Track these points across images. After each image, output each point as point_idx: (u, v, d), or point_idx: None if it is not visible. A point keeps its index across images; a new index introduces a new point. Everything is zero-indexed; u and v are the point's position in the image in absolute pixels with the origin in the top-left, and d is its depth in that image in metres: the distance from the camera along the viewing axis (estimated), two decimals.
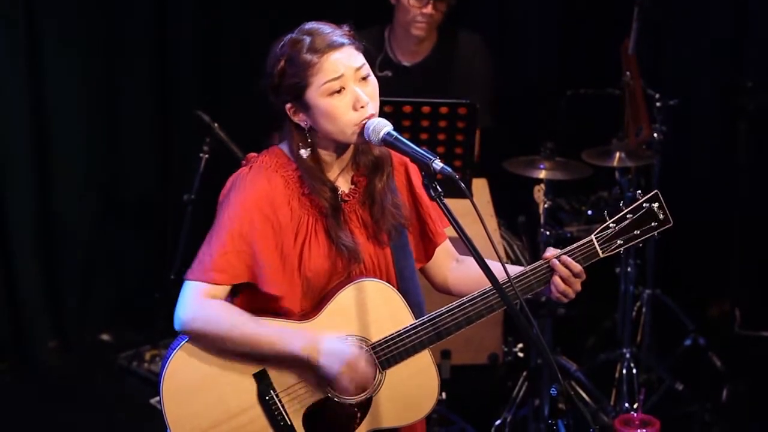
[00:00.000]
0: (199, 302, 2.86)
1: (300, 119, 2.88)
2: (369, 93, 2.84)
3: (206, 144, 5.03)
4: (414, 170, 3.06)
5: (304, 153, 2.89)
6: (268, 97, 2.92)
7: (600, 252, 2.97)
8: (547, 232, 4.74)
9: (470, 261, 3.10)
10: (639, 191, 3.03)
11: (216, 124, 5.00)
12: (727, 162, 5.74)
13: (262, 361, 2.90)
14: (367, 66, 2.86)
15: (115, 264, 5.94)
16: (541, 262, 2.96)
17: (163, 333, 5.44)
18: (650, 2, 5.08)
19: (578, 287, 2.96)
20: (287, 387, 2.91)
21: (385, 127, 2.81)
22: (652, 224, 3.01)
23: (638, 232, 3.00)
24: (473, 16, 5.93)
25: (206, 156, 5.02)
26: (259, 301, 2.91)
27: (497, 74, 5.18)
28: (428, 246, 3.11)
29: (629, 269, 4.95)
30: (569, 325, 5.07)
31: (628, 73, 5.07)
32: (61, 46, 5.52)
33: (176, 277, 4.98)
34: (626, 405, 4.81)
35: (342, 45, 2.83)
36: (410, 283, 3.02)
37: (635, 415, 4.31)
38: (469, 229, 2.73)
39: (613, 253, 2.98)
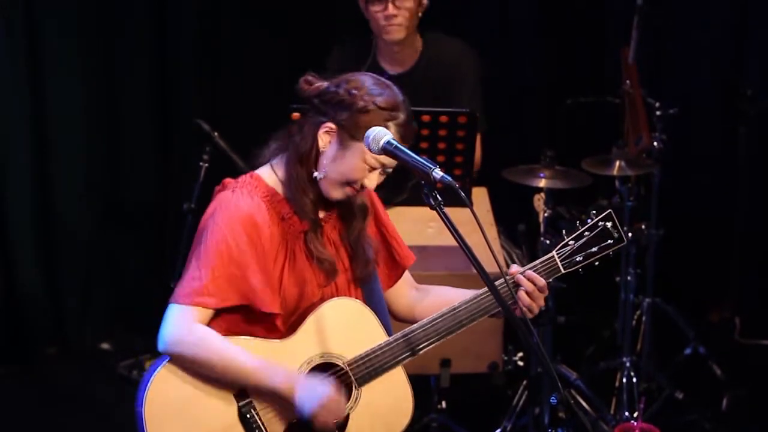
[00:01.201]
0: (186, 327, 2.88)
1: (324, 142, 2.90)
2: (374, 185, 2.94)
3: (206, 153, 5.02)
4: (375, 197, 3.13)
5: (317, 175, 2.91)
6: (319, 93, 2.91)
7: (561, 268, 3.08)
8: (547, 241, 4.73)
9: (432, 289, 3.22)
10: (594, 211, 3.11)
11: (216, 133, 5.00)
12: (727, 170, 5.74)
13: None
14: None
15: (115, 272, 5.94)
16: (507, 278, 2.99)
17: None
18: (650, 10, 5.09)
19: (542, 302, 3.03)
20: (267, 406, 2.95)
21: (385, 136, 2.82)
22: (608, 242, 3.11)
23: (595, 249, 3.10)
24: (473, 24, 5.94)
25: (206, 165, 5.02)
26: (238, 323, 2.94)
27: (496, 82, 5.17)
28: (396, 270, 3.18)
29: (629, 278, 4.94)
30: (569, 333, 5.07)
31: (628, 81, 5.07)
32: (61, 49, 5.52)
33: (176, 286, 4.97)
34: (626, 414, 4.81)
35: (408, 145, 2.88)
36: (378, 305, 3.08)
37: (635, 423, 4.29)
38: (469, 238, 2.74)
39: (573, 269, 3.09)
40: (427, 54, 4.95)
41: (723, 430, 4.96)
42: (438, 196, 2.75)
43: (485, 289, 2.98)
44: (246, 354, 2.89)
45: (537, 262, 3.06)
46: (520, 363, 4.79)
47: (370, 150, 2.85)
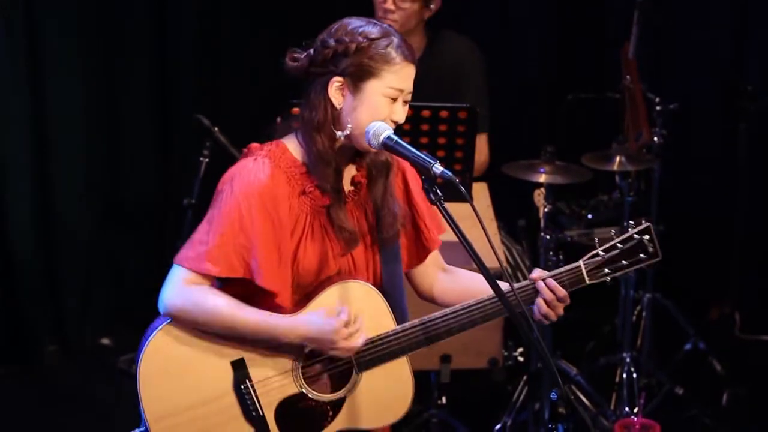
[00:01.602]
0: (187, 288, 2.87)
1: (339, 98, 2.86)
2: (403, 116, 2.90)
3: (206, 148, 5.02)
4: (411, 175, 3.06)
5: (340, 134, 2.87)
6: (313, 55, 2.89)
7: (587, 279, 3.00)
8: (547, 236, 4.73)
9: (458, 272, 3.16)
10: (632, 222, 3.04)
11: (216, 128, 5.00)
12: (728, 166, 5.74)
13: (242, 348, 2.92)
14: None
15: (115, 268, 5.94)
16: (527, 282, 2.98)
17: None
18: (651, 6, 5.09)
19: (560, 311, 2.98)
20: (263, 378, 2.93)
21: (385, 131, 2.82)
22: (641, 256, 3.02)
23: (626, 262, 3.01)
24: (473, 20, 5.94)
25: (206, 160, 5.01)
26: (250, 294, 2.91)
27: (497, 77, 5.17)
28: (421, 252, 3.11)
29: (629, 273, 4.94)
30: (569, 329, 5.06)
31: (628, 76, 5.07)
32: (61, 49, 5.52)
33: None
34: (626, 409, 4.81)
35: (414, 64, 2.89)
36: (396, 289, 3.03)
37: (635, 419, 4.30)
38: (469, 233, 2.73)
39: (599, 280, 3.01)
40: (432, 51, 4.95)
41: (723, 426, 4.97)
42: (438, 191, 2.74)
43: (505, 287, 2.93)
44: (250, 309, 2.86)
45: (562, 270, 2.98)
46: (521, 359, 4.79)
47: (370, 145, 2.84)
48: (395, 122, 2.87)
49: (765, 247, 5.73)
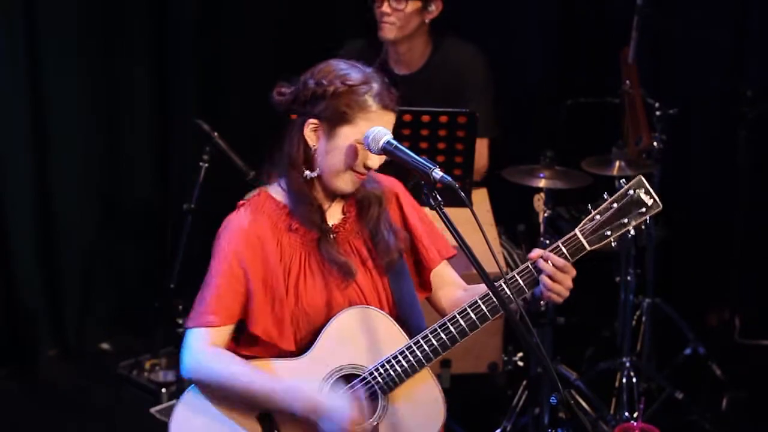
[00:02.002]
0: (202, 351, 2.88)
1: (313, 139, 2.89)
2: (378, 164, 2.91)
3: (206, 153, 5.02)
4: (404, 196, 3.09)
5: (308, 174, 2.90)
6: (287, 95, 2.92)
7: (587, 244, 2.94)
8: (547, 241, 4.73)
9: (475, 288, 3.09)
10: (623, 179, 2.99)
11: (216, 133, 5.00)
12: (727, 171, 5.74)
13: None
14: None
15: (115, 273, 5.94)
16: (526, 264, 2.95)
17: (162, 342, 5.44)
18: (650, 11, 5.09)
19: (569, 283, 2.92)
20: (292, 428, 2.92)
21: (384, 136, 2.83)
22: (641, 210, 2.95)
23: (626, 220, 2.95)
24: (474, 25, 5.94)
25: (206, 165, 5.01)
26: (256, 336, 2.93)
27: (497, 83, 5.17)
28: (423, 273, 3.11)
29: (629, 278, 4.94)
30: (569, 334, 5.06)
31: (627, 81, 5.07)
32: (61, 49, 5.51)
33: (175, 286, 4.98)
34: (626, 414, 4.81)
35: (394, 112, 2.90)
36: (411, 310, 3.03)
37: (635, 424, 4.29)
38: (469, 238, 2.74)
39: (602, 243, 2.94)
40: (437, 57, 4.96)
41: (723, 430, 4.96)
42: (438, 196, 2.75)
43: (505, 279, 2.92)
44: (265, 377, 2.88)
45: (559, 242, 2.94)
46: (520, 363, 4.79)
47: (369, 150, 2.85)
48: (368, 168, 2.88)
49: (764, 252, 5.72)
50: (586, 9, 5.99)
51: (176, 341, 5.18)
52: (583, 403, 4.82)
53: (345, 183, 2.91)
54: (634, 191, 2.95)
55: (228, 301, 2.88)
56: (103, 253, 5.86)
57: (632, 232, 2.97)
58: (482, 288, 2.95)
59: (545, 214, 4.75)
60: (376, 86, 2.86)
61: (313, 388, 2.90)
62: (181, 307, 5.01)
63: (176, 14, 5.82)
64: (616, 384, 4.94)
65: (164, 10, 5.80)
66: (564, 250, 2.93)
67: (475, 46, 5.05)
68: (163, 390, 5.19)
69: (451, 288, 3.15)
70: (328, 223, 2.98)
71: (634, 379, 4.91)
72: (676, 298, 5.39)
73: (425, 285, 3.13)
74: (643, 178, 2.96)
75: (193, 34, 5.89)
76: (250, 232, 2.89)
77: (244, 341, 2.95)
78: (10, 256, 5.51)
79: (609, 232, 2.94)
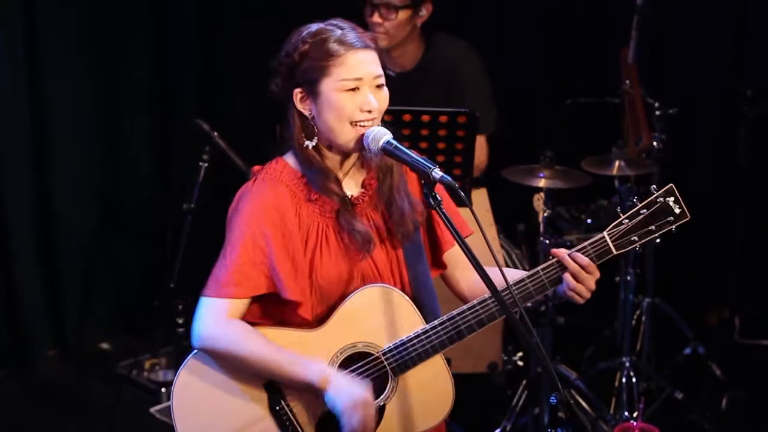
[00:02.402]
0: (219, 321, 2.84)
1: (305, 107, 2.87)
2: (379, 101, 2.86)
3: (206, 153, 5.03)
4: None
5: (308, 143, 2.89)
6: (276, 76, 2.91)
7: (614, 249, 2.93)
8: (547, 241, 4.74)
9: (491, 271, 3.00)
10: (654, 186, 2.99)
11: (216, 133, 5.00)
12: (727, 170, 5.74)
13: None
14: (383, 77, 2.87)
15: (115, 273, 5.94)
16: (551, 261, 2.93)
17: (162, 342, 5.44)
18: (650, 11, 5.09)
19: (591, 284, 2.92)
20: (299, 397, 2.90)
21: (384, 135, 2.82)
22: (669, 219, 2.95)
23: (653, 227, 2.95)
24: (474, 26, 5.94)
25: (206, 165, 5.02)
26: (272, 310, 2.90)
27: (496, 82, 5.17)
28: (436, 253, 3.09)
29: (629, 278, 4.95)
30: (569, 333, 5.07)
31: (627, 81, 5.07)
32: (61, 49, 5.52)
33: (175, 286, 4.98)
34: (626, 414, 4.81)
35: (368, 48, 2.86)
36: (424, 287, 3.00)
37: (635, 423, 4.30)
38: (469, 237, 2.73)
39: (628, 249, 2.94)
40: (429, 55, 4.96)
41: (722, 430, 4.97)
42: (437, 195, 2.74)
43: (528, 274, 2.91)
44: (277, 348, 2.85)
45: (586, 243, 2.92)
46: (520, 363, 4.80)
47: (369, 150, 2.84)
48: (369, 111, 2.83)
49: (764, 251, 5.72)
50: (586, 9, 6.00)
51: (176, 341, 5.19)
52: (583, 403, 4.82)
53: (348, 136, 2.85)
54: (665, 199, 2.96)
55: (251, 271, 2.83)
56: (103, 253, 5.86)
57: (658, 240, 2.96)
58: (497, 271, 2.89)
59: (545, 214, 4.76)
60: (336, 32, 2.84)
61: (324, 362, 2.88)
62: (180, 306, 5.01)
63: (176, 14, 5.82)
64: (616, 384, 4.94)
65: (164, 10, 5.81)
66: (591, 251, 2.93)
67: (467, 42, 5.05)
68: (163, 390, 5.20)
69: (467, 270, 3.09)
70: (347, 194, 2.95)
71: (634, 379, 4.92)
72: (676, 298, 5.40)
73: (439, 263, 3.10)
74: (674, 187, 2.96)
75: (193, 34, 5.90)
76: (270, 205, 2.85)
77: (260, 315, 2.92)
78: (10, 255, 5.51)
79: (636, 238, 2.94)
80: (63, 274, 5.73)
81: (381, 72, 2.87)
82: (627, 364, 4.93)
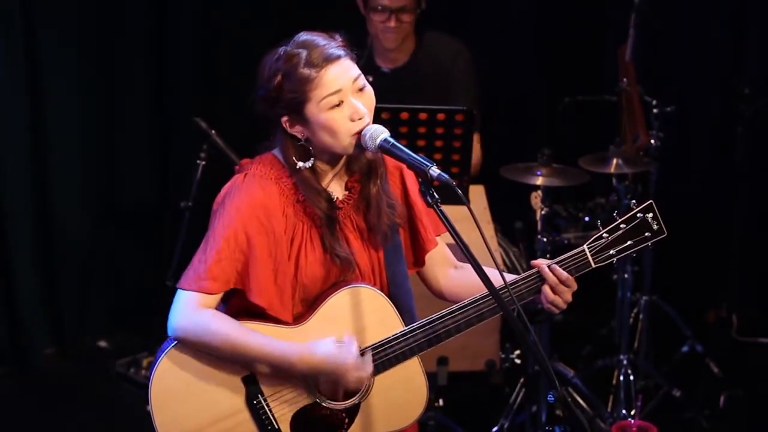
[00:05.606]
0: (193, 312, 2.86)
1: (297, 131, 2.88)
2: (366, 103, 2.85)
3: (203, 151, 5.03)
4: (409, 175, 3.06)
5: (302, 165, 2.89)
6: (259, 107, 2.92)
7: (592, 262, 2.97)
8: (544, 239, 4.74)
9: (469, 268, 3.03)
10: (633, 201, 3.03)
11: (213, 131, 5.00)
12: (725, 169, 5.74)
13: (252, 367, 2.91)
14: (362, 76, 2.86)
15: (113, 271, 5.94)
16: (532, 270, 2.96)
17: (160, 340, 5.43)
18: (648, 9, 5.09)
19: (568, 297, 2.95)
20: (275, 391, 2.92)
21: (382, 134, 2.82)
22: (646, 234, 3.00)
23: (631, 242, 2.99)
24: (471, 23, 5.94)
25: (203, 163, 5.02)
26: (255, 307, 2.91)
27: (494, 80, 5.18)
28: (418, 252, 3.10)
29: (626, 276, 4.95)
30: (566, 331, 5.07)
31: (625, 79, 5.07)
32: (60, 49, 5.51)
33: (173, 283, 4.98)
34: (623, 411, 4.81)
35: (338, 57, 2.83)
36: (401, 288, 3.02)
37: (632, 421, 4.30)
38: (467, 235, 2.73)
39: (605, 263, 2.98)
40: (421, 51, 4.98)
41: (720, 428, 4.97)
42: (435, 193, 2.74)
43: (511, 279, 2.91)
44: (251, 330, 2.86)
45: (566, 255, 2.96)
46: (518, 361, 4.79)
47: (367, 148, 2.84)
48: (360, 117, 2.82)
49: (762, 249, 5.73)
50: (584, 6, 6.00)
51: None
52: (581, 401, 4.82)
53: (346, 142, 2.84)
54: (644, 215, 3.00)
55: (227, 268, 2.85)
56: (101, 251, 5.85)
57: (634, 255, 3.00)
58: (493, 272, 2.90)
59: (542, 212, 4.76)
60: (303, 54, 2.81)
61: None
62: None
63: (175, 13, 5.81)
64: (614, 381, 4.94)
65: (163, 9, 5.80)
66: (571, 265, 2.96)
67: (458, 39, 5.06)
68: None
69: (445, 267, 3.14)
70: (334, 200, 2.95)
71: (632, 377, 4.92)
72: (674, 296, 5.40)
73: (419, 262, 3.12)
74: (653, 203, 3.01)
75: (191, 33, 5.89)
76: (257, 203, 2.86)
77: (240, 310, 2.93)
78: (8, 253, 5.51)
79: (614, 252, 2.98)
80: (60, 272, 5.73)
81: (358, 72, 2.85)
82: (625, 361, 4.93)
